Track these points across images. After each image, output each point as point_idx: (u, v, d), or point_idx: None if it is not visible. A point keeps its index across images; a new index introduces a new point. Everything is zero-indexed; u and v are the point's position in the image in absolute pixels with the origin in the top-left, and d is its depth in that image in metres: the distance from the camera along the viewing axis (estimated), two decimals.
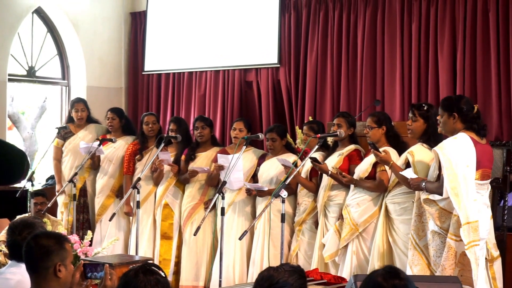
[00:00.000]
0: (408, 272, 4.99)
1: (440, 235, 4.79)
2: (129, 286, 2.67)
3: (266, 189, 6.36)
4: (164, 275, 2.74)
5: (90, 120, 7.87)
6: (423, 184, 4.89)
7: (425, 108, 5.37)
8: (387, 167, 5.54)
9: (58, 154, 7.75)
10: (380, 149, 5.58)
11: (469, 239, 4.57)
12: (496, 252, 5.04)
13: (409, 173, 5.10)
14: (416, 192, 5.08)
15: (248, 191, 6.57)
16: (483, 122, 4.94)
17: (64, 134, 7.73)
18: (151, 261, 4.85)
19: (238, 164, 6.20)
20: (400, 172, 5.20)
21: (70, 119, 7.89)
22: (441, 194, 4.71)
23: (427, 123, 5.32)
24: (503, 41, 6.84)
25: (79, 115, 7.74)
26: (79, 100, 7.96)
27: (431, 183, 4.87)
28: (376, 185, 5.69)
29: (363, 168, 5.80)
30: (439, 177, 4.81)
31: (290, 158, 6.32)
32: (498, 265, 5.06)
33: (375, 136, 5.75)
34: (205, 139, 7.06)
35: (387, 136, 5.79)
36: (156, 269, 2.74)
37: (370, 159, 5.74)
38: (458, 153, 4.67)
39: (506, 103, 6.85)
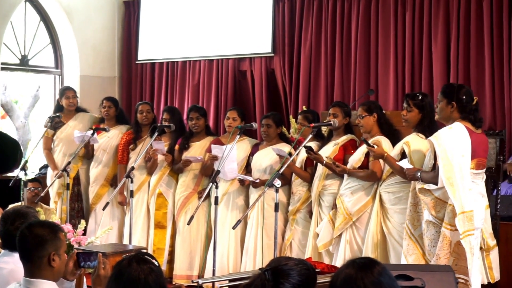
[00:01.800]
0: (403, 261, 5.00)
1: (435, 224, 4.80)
2: (122, 275, 2.67)
3: (257, 181, 6.35)
4: (157, 264, 2.73)
5: (78, 109, 7.83)
6: (419, 173, 4.89)
7: (420, 97, 5.35)
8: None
9: (48, 144, 7.70)
10: (372, 139, 5.58)
11: (464, 228, 4.57)
12: (492, 242, 5.05)
13: (405, 164, 5.10)
14: (412, 182, 5.09)
15: (241, 181, 6.56)
16: (480, 115, 4.93)
17: (55, 124, 7.67)
18: (144, 250, 4.85)
19: (232, 154, 6.18)
20: (397, 163, 5.20)
21: (58, 108, 7.82)
22: (436, 184, 4.71)
23: (422, 113, 5.30)
24: (497, 31, 6.85)
25: (71, 101, 7.68)
26: (69, 87, 7.92)
27: (427, 173, 4.86)
28: (368, 175, 5.68)
29: (356, 158, 5.80)
30: (435, 167, 4.81)
31: (285, 148, 6.31)
32: (494, 255, 5.07)
33: (367, 125, 5.74)
34: (200, 129, 7.03)
35: (379, 123, 5.78)
36: (150, 258, 2.73)
37: (362, 149, 5.73)
38: (454, 143, 4.66)
39: (499, 93, 6.86)
